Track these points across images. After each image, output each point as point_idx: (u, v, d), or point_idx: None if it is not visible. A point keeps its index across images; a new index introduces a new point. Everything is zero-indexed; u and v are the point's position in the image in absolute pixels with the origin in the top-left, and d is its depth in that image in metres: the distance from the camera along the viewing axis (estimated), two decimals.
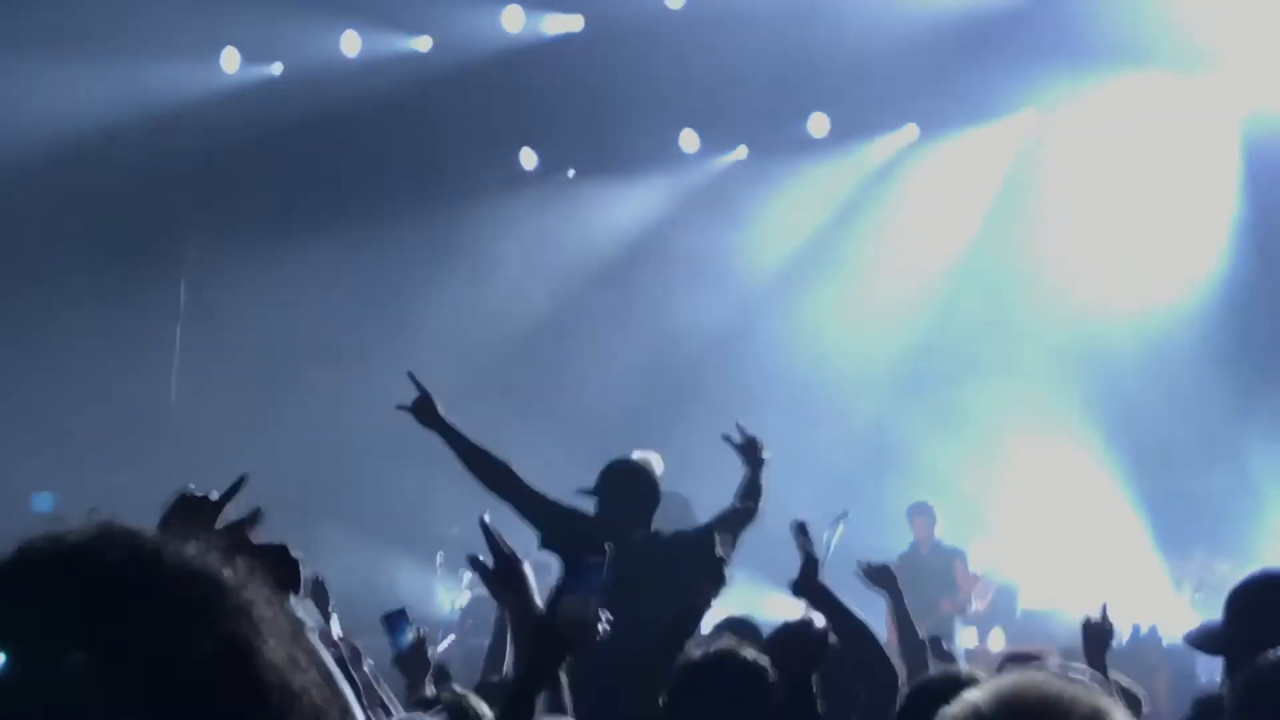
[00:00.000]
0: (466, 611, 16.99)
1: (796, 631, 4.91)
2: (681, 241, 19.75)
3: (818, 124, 19.00)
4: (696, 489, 12.74)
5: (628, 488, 8.09)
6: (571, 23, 18.76)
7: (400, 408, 7.87)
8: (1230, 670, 4.56)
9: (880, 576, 8.40)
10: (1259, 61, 17.04)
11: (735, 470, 8.76)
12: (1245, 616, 4.57)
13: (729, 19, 17.35)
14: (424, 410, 7.83)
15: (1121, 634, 16.05)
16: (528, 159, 20.27)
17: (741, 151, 20.03)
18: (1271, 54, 16.91)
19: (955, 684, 3.77)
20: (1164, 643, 15.85)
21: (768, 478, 8.68)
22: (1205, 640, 4.90)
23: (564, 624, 3.72)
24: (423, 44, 19.15)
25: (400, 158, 19.30)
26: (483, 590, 16.97)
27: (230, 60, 19.15)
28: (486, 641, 8.45)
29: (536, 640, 3.78)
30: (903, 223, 19.08)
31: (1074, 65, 17.15)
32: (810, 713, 4.65)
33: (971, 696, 2.23)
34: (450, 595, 17.90)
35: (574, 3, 18.60)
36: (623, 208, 20.14)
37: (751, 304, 19.41)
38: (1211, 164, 17.75)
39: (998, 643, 15.87)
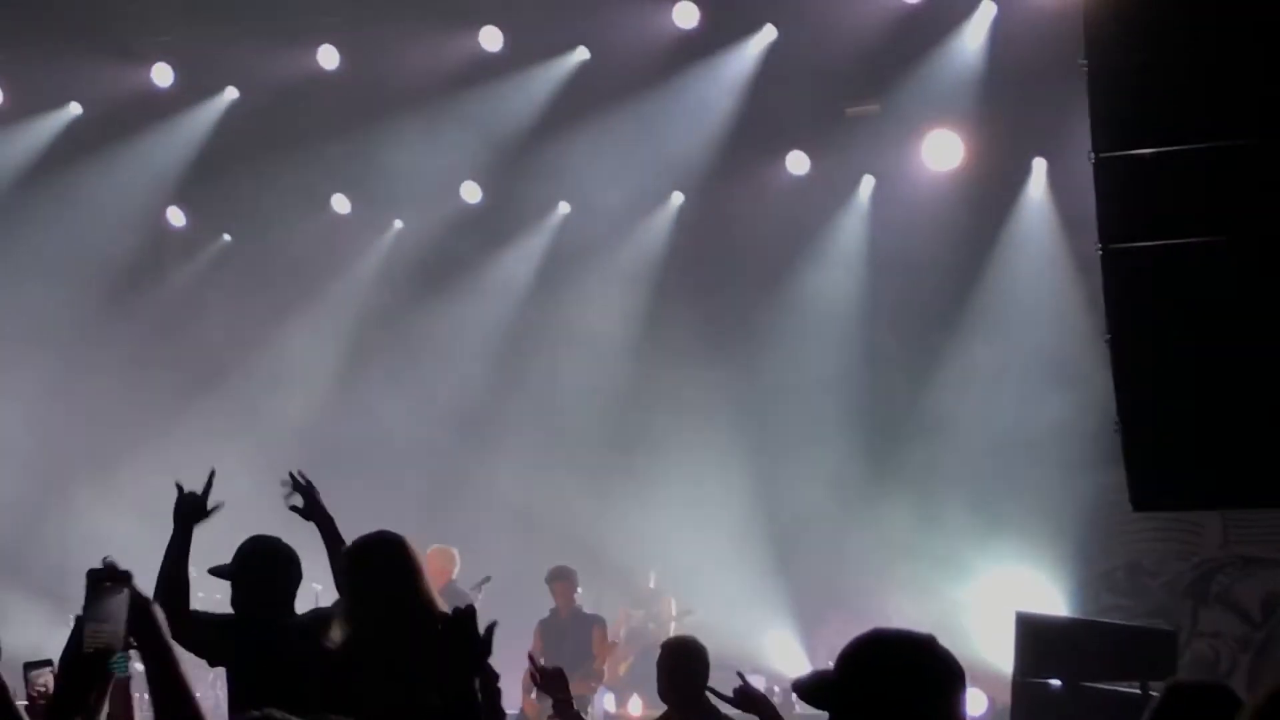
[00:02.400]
0: None
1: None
2: None
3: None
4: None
5: (265, 570, 7.71)
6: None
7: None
8: None
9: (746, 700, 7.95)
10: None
11: None
12: (853, 674, 4.68)
13: None
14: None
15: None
16: None
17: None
18: None
19: None
20: (797, 709, 16.18)
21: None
22: (814, 692, 4.98)
23: (90, 652, 3.70)
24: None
25: None
26: None
27: None
28: None
29: (64, 670, 3.78)
30: None
31: None
32: None
33: None
34: None
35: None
36: None
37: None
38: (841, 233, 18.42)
39: (638, 708, 16.04)
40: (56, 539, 18.42)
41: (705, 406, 18.20)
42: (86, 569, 3.74)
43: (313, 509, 7.94)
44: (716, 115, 17.88)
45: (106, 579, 3.74)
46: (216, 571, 7.69)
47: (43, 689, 6.27)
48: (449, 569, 15.91)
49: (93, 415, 19.25)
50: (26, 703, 6.27)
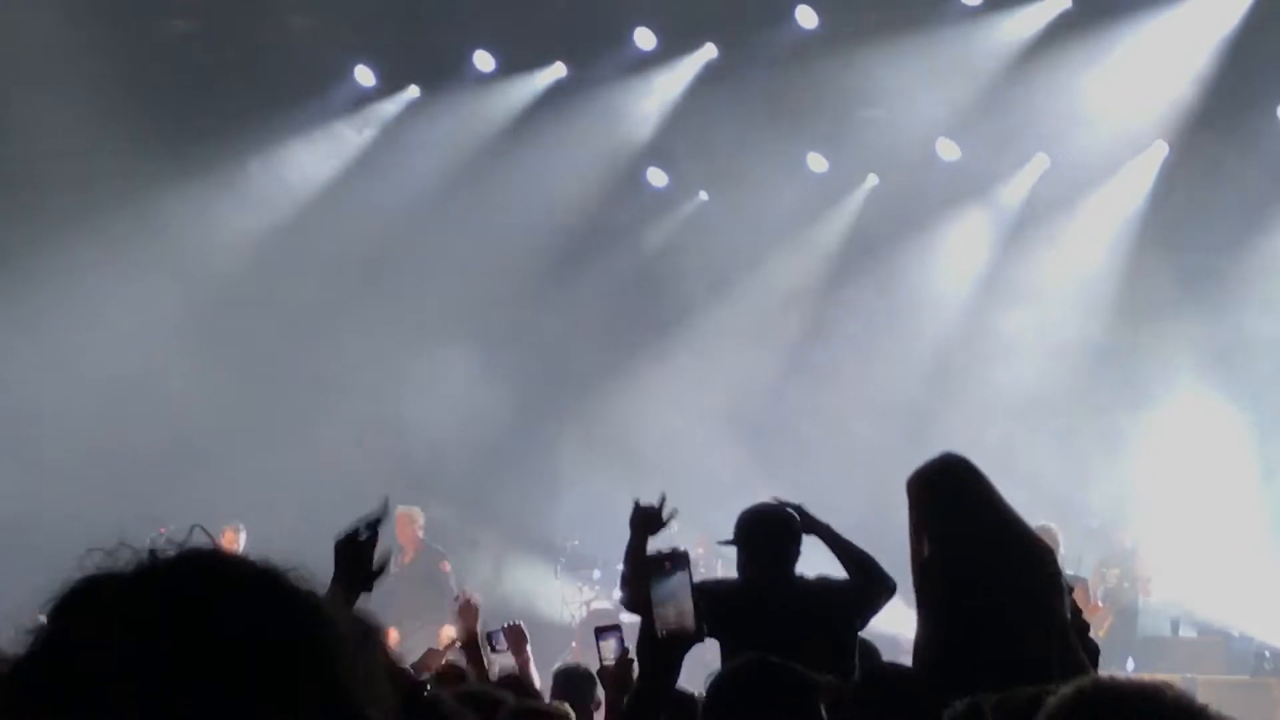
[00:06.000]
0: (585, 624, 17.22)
1: None
2: None
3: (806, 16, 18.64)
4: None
5: (769, 535, 7.92)
6: None
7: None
8: None
9: None
10: None
11: None
12: None
13: None
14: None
15: None
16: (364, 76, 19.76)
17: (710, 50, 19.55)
18: None
19: None
20: None
21: (839, 536, 7.98)
22: None
23: (663, 636, 3.78)
24: None
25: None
26: (601, 604, 17.34)
27: None
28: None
29: (645, 656, 3.85)
30: None
31: None
32: None
33: None
34: (569, 606, 18.21)
35: None
36: None
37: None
38: None
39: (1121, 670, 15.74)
40: (530, 488, 19.10)
41: (1185, 360, 17.80)
42: (653, 554, 3.81)
43: (810, 525, 7.98)
44: (1200, 63, 17.39)
45: (667, 560, 3.80)
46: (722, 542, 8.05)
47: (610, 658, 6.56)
48: (415, 529, 16.80)
49: (565, 366, 19.81)
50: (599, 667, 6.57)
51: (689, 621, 3.77)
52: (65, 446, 17.43)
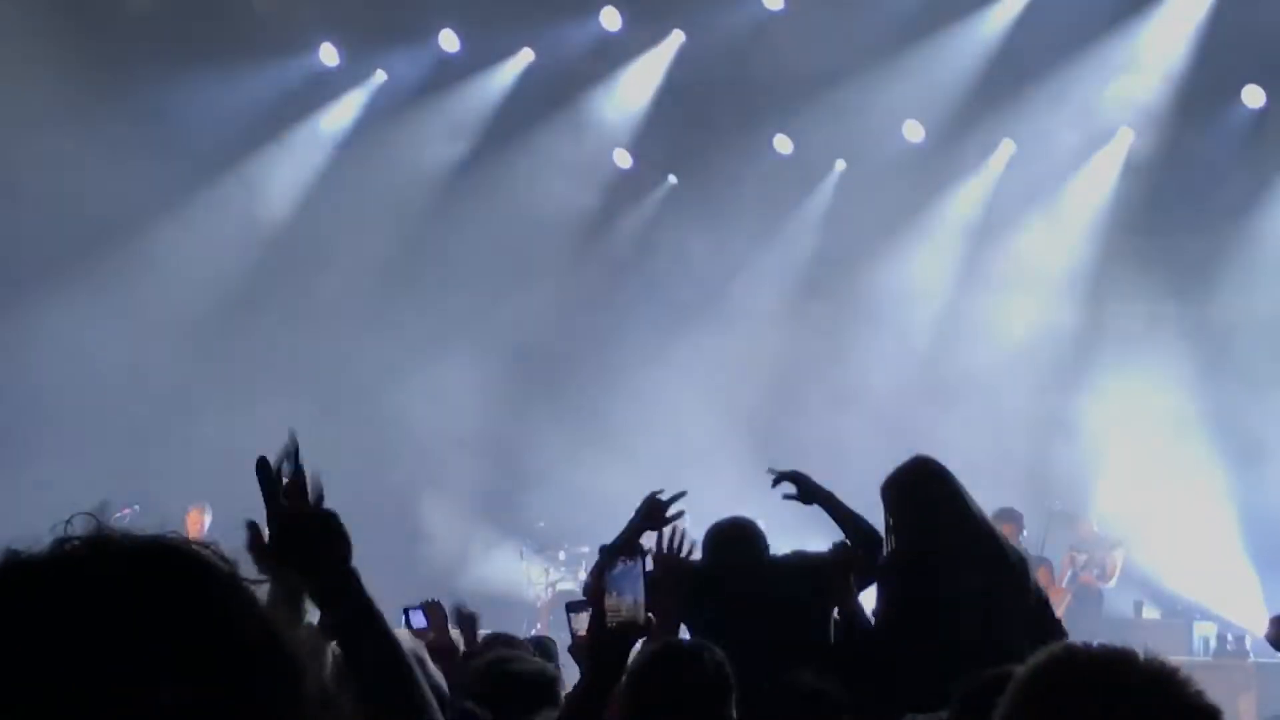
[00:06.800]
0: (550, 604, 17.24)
1: None
2: None
3: None
4: None
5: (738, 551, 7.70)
6: None
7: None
8: None
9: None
10: None
11: None
12: None
13: None
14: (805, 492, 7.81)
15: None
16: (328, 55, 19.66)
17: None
18: None
19: None
20: (1252, 658, 15.69)
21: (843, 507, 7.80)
22: None
23: (613, 628, 3.83)
24: None
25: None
26: (566, 585, 17.33)
27: None
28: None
29: (594, 645, 3.91)
30: None
31: None
32: None
33: None
34: (535, 586, 18.21)
35: None
36: None
37: None
38: None
39: None
40: (518, 478, 19.07)
41: (1150, 343, 17.87)
42: (600, 545, 3.89)
43: (810, 494, 7.85)
44: (1167, 49, 17.44)
45: (621, 552, 3.88)
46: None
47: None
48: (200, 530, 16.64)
49: (534, 351, 19.78)
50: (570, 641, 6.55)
51: (639, 614, 3.85)
52: (59, 431, 17.41)
